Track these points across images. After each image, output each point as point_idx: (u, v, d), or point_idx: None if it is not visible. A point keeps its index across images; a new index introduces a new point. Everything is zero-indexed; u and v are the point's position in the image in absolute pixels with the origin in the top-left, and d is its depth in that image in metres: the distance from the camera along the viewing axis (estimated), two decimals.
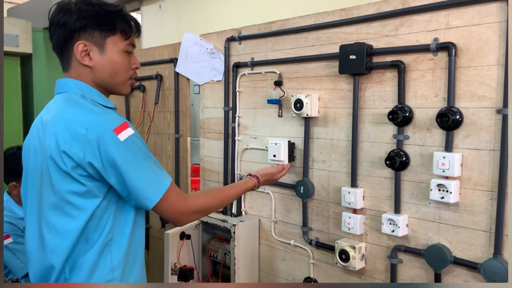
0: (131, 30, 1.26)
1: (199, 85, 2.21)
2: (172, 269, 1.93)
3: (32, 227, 1.22)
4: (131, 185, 1.12)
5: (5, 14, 4.10)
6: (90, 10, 1.20)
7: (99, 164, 1.10)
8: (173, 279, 1.93)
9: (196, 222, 2.06)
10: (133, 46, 1.29)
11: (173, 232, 1.94)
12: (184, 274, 1.93)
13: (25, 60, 3.59)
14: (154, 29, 3.90)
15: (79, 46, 1.19)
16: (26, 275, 1.41)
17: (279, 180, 1.86)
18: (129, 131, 1.13)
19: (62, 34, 1.20)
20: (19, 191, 1.56)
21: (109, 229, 1.17)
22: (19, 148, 1.98)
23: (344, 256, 1.58)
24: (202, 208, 1.28)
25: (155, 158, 1.21)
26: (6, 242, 1.97)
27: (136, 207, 1.21)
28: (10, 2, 6.36)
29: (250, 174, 1.58)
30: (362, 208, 1.60)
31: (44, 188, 1.17)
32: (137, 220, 1.23)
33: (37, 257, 1.21)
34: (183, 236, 1.98)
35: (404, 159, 1.46)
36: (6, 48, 3.29)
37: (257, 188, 1.56)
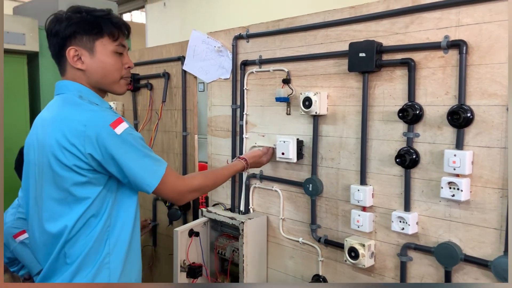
0: (120, 31, 1.35)
1: (203, 83, 2.21)
2: (181, 266, 1.94)
3: (34, 216, 1.35)
4: (130, 173, 1.25)
5: (10, 12, 4.10)
6: (77, 17, 1.30)
7: (99, 156, 1.22)
8: (182, 275, 1.94)
9: (204, 219, 2.07)
10: (123, 46, 1.37)
11: (182, 230, 1.95)
12: (193, 271, 1.95)
13: (32, 58, 3.59)
14: (159, 27, 3.91)
15: (70, 52, 1.31)
16: (39, 273, 1.43)
17: (287, 178, 1.88)
18: (123, 125, 1.24)
19: (56, 43, 1.32)
20: None
21: (107, 216, 1.29)
22: None
23: (354, 253, 1.59)
24: (199, 187, 1.43)
25: (157, 153, 1.33)
26: (22, 237, 2.02)
27: (133, 196, 1.34)
28: (15, 0, 6.38)
29: (239, 157, 1.75)
30: (372, 205, 1.60)
31: (45, 182, 1.28)
32: (136, 208, 1.36)
33: (39, 242, 1.34)
34: (192, 233, 1.99)
35: (414, 157, 1.46)
36: (13, 47, 3.29)
37: (246, 170, 1.75)
